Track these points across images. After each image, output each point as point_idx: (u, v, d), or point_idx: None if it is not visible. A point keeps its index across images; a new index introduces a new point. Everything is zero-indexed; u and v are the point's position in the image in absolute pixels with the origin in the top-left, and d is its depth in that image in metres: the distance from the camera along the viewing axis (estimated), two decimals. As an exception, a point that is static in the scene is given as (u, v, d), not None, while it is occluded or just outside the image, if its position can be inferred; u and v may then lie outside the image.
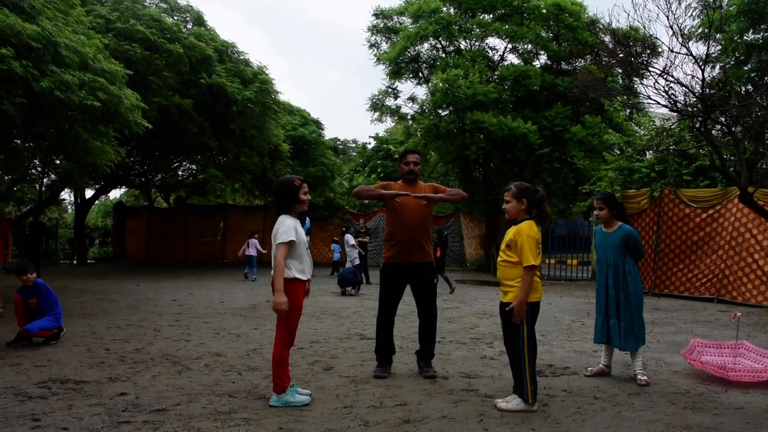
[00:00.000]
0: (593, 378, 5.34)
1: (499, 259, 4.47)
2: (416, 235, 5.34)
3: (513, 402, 4.28)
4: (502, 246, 4.44)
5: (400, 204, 5.31)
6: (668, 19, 8.28)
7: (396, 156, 27.61)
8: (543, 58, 20.83)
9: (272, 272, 4.36)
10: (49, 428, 3.78)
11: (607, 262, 5.36)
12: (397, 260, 5.37)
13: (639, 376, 5.16)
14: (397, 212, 5.35)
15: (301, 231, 4.45)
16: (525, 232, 4.28)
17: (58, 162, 14.61)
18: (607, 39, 10.33)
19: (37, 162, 15.47)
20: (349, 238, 14.47)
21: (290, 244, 4.29)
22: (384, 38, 21.70)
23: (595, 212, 5.45)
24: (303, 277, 4.42)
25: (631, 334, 5.21)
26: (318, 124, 24.38)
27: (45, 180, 18.76)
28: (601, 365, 5.49)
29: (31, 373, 5.20)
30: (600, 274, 5.45)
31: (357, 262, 14.15)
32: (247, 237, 16.94)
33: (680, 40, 8.46)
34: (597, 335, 5.48)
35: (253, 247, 16.16)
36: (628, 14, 16.71)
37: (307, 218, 13.35)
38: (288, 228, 4.31)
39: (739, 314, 5.76)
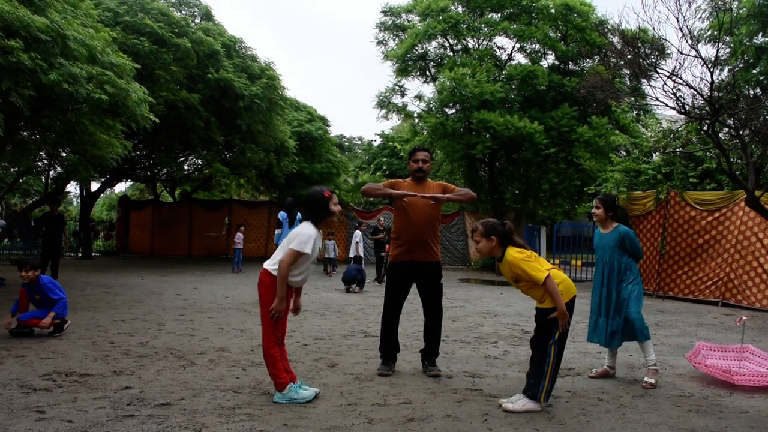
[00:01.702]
0: (597, 379, 5.33)
1: (519, 290, 4.50)
2: (423, 234, 5.34)
3: (519, 402, 4.28)
4: (511, 282, 4.45)
5: (407, 203, 5.31)
6: (678, 21, 8.25)
7: (402, 154, 27.64)
8: (551, 58, 20.79)
9: (266, 264, 4.40)
10: (54, 421, 3.79)
11: (603, 262, 5.44)
12: (404, 259, 5.37)
13: (646, 378, 5.16)
14: (405, 211, 5.34)
15: (317, 245, 4.42)
16: (515, 259, 4.27)
17: (64, 155, 14.64)
18: (615, 40, 10.27)
19: (43, 154, 15.49)
20: (357, 234, 14.68)
21: (303, 256, 4.29)
22: (392, 35, 21.69)
23: (592, 211, 5.55)
24: (293, 285, 4.44)
25: (617, 334, 5.27)
26: (324, 121, 24.39)
27: (51, 172, 18.79)
28: (605, 366, 5.49)
29: (36, 365, 5.22)
30: (596, 273, 5.53)
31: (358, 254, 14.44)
32: (235, 230, 18.00)
33: (689, 42, 8.43)
34: (589, 334, 5.56)
35: (239, 241, 17.13)
36: (638, 15, 16.67)
37: (299, 213, 13.33)
38: (308, 239, 4.30)
39: (744, 318, 5.75)
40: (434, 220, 5.45)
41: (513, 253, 4.31)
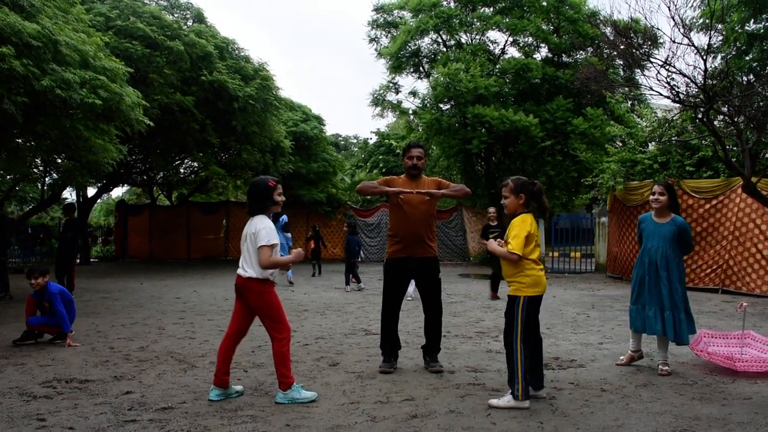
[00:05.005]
0: (600, 370, 5.32)
1: None
2: (420, 230, 5.33)
3: (504, 399, 4.24)
4: (504, 239, 4.46)
5: (403, 200, 5.30)
6: (670, 9, 8.22)
7: (398, 151, 27.62)
8: (544, 51, 20.80)
9: (244, 272, 4.38)
10: (54, 428, 3.78)
11: (659, 253, 5.29)
12: (401, 255, 5.36)
13: (661, 367, 5.19)
14: (401, 208, 5.33)
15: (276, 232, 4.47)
16: (517, 223, 4.33)
17: (59, 161, 14.58)
18: (608, 31, 10.25)
19: (38, 161, 15.44)
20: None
21: (273, 247, 4.30)
22: (384, 33, 21.67)
23: (656, 196, 5.35)
24: (273, 279, 4.45)
25: (684, 327, 5.19)
26: (319, 120, 24.33)
27: (47, 179, 18.75)
28: (630, 352, 5.49)
29: (35, 372, 5.20)
30: (650, 264, 5.32)
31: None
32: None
33: (682, 30, 8.40)
34: (649, 327, 5.28)
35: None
36: (630, 6, 16.64)
37: (284, 215, 13.35)
38: (271, 230, 4.33)
39: (745, 304, 5.74)
40: (430, 216, 5.44)
41: (522, 219, 4.33)
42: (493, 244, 4.45)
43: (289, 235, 13.40)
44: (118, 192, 36.35)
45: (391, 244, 5.47)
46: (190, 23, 18.64)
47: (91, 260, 22.64)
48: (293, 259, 4.49)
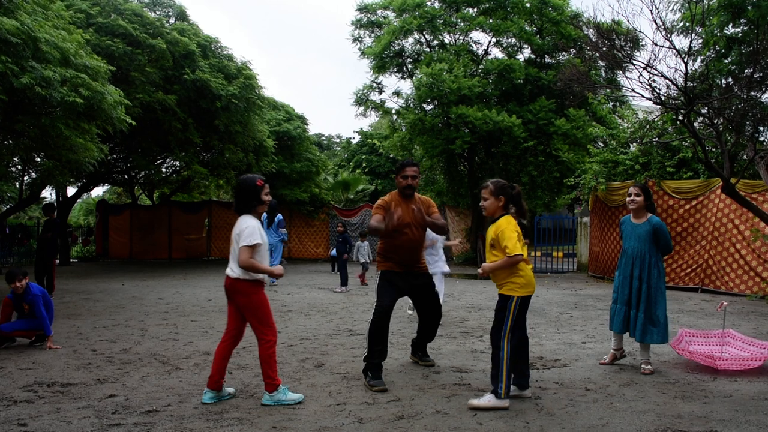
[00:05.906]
0: (584, 370, 5.37)
1: (487, 261, 4.48)
2: (414, 254, 5.37)
3: (485, 398, 4.26)
4: (487, 247, 4.45)
5: (401, 223, 5.27)
6: (652, 12, 8.31)
7: (381, 151, 27.63)
8: (527, 52, 20.91)
9: (231, 272, 4.36)
10: None
11: (635, 254, 5.37)
12: (397, 270, 5.34)
13: (644, 366, 5.27)
14: (398, 231, 5.29)
15: (263, 233, 4.41)
16: (503, 226, 4.33)
17: (39, 160, 14.38)
18: (590, 32, 10.33)
19: (17, 160, 15.20)
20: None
21: (255, 247, 4.26)
22: (368, 32, 21.64)
23: (632, 197, 5.41)
24: (263, 279, 4.41)
25: (650, 328, 5.25)
26: (302, 120, 24.23)
27: (25, 178, 18.47)
28: (612, 351, 5.57)
29: (16, 376, 5.12)
30: (626, 264, 5.44)
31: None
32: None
33: (663, 33, 8.50)
34: (617, 324, 5.46)
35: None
36: (613, 8, 16.86)
37: (279, 214, 13.30)
38: (253, 230, 4.28)
39: (725, 304, 5.83)
40: (422, 239, 5.48)
41: (507, 221, 4.34)
42: (487, 265, 4.37)
43: (284, 231, 13.36)
44: (98, 191, 36.00)
45: (382, 260, 5.40)
46: (172, 21, 18.47)
47: (71, 260, 22.35)
48: (271, 272, 4.36)
